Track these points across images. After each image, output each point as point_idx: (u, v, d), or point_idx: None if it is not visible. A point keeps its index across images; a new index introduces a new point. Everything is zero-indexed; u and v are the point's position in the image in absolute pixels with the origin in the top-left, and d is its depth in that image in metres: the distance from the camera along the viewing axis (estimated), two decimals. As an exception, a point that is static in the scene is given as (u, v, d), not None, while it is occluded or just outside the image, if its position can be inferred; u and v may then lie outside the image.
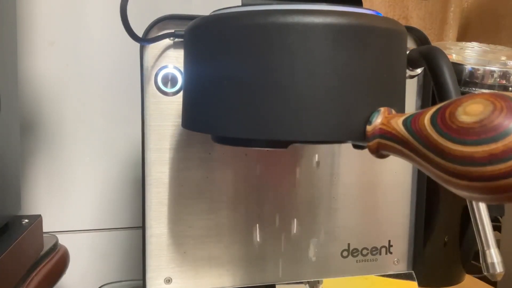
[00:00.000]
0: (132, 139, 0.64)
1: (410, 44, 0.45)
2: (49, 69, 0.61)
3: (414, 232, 0.48)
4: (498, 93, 0.21)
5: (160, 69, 0.41)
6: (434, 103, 0.26)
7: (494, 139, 0.20)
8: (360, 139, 0.28)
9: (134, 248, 0.65)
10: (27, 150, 0.61)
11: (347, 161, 0.46)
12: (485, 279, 0.62)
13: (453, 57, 0.56)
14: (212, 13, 0.32)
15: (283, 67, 0.28)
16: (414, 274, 0.48)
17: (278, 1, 0.34)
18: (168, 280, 0.43)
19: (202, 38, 0.31)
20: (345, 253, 0.47)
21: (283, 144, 0.31)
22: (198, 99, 0.32)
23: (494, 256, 0.32)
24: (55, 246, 0.51)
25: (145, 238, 0.42)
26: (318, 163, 0.45)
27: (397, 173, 0.47)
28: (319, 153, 0.45)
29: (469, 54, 0.58)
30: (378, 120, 0.27)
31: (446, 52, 0.37)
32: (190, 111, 0.33)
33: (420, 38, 0.45)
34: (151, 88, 0.41)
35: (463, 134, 0.21)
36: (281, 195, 0.45)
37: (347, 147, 0.33)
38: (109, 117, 0.63)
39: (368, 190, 0.47)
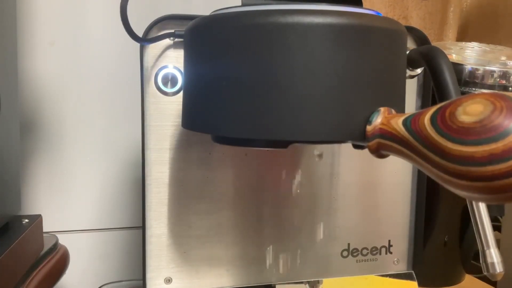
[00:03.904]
0: (132, 139, 0.64)
1: (410, 44, 0.45)
2: (49, 69, 0.61)
3: (414, 232, 0.48)
4: (498, 93, 0.21)
5: (160, 69, 0.41)
6: (434, 103, 0.26)
7: (494, 139, 0.20)
8: (360, 139, 0.28)
9: (134, 248, 0.65)
10: (27, 150, 0.61)
11: (347, 161, 0.46)
12: (485, 279, 0.62)
13: (453, 57, 0.56)
14: (212, 13, 0.32)
15: (283, 67, 0.28)
16: (414, 274, 0.48)
17: (278, 1, 0.34)
18: (168, 280, 0.43)
19: (202, 38, 0.31)
20: (345, 253, 0.47)
21: (283, 144, 0.31)
22: (198, 99, 0.32)
23: (494, 256, 0.32)
24: (55, 246, 0.51)
25: (145, 238, 0.42)
26: (320, 155, 0.45)
27: (397, 173, 0.47)
28: (319, 153, 0.45)
29: (469, 54, 0.58)
30: (378, 120, 0.27)
31: (446, 52, 0.37)
32: (190, 111, 0.33)
33: (420, 38, 0.45)
34: (151, 88, 0.41)
35: (463, 134, 0.21)
36: (281, 195, 0.45)
37: (347, 147, 0.33)
38: (109, 117, 0.63)
39: (368, 190, 0.47)
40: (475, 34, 0.89)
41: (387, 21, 0.30)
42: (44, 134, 0.61)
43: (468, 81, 0.55)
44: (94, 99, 0.62)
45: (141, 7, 0.60)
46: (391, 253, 0.48)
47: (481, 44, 0.63)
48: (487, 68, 0.54)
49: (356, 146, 0.30)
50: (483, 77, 0.54)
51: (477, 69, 0.54)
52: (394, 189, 0.47)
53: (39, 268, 0.47)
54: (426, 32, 0.45)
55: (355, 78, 0.28)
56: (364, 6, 0.33)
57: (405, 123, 0.25)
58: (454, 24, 0.87)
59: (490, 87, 0.55)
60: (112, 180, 0.64)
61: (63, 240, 0.54)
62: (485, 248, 0.32)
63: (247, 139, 0.32)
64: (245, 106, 0.29)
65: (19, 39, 0.56)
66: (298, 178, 0.45)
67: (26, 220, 0.48)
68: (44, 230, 0.52)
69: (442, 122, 0.22)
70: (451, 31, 0.87)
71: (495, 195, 0.20)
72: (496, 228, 0.66)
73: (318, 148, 0.45)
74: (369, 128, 0.28)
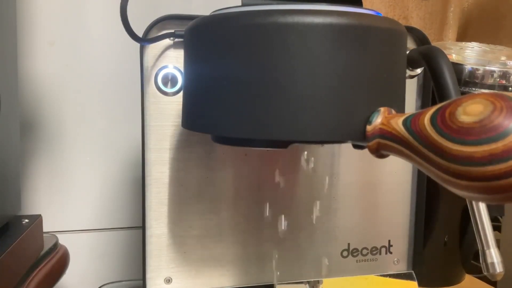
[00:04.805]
0: (132, 139, 0.64)
1: (410, 44, 0.45)
2: (49, 69, 0.61)
3: (414, 232, 0.48)
4: (498, 93, 0.21)
5: (160, 69, 0.41)
6: (434, 103, 0.26)
7: (494, 139, 0.20)
8: (360, 139, 0.28)
9: (134, 248, 0.65)
10: (27, 150, 0.61)
11: (347, 161, 0.46)
12: (485, 279, 0.62)
13: (453, 57, 0.56)
14: (212, 13, 0.32)
15: (283, 67, 0.28)
16: (414, 274, 0.48)
17: (278, 1, 0.34)
18: (168, 280, 0.43)
19: (202, 38, 0.31)
20: (345, 253, 0.47)
21: (283, 144, 0.31)
22: (198, 99, 0.32)
23: (494, 256, 0.32)
24: (55, 246, 0.51)
25: (145, 238, 0.42)
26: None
27: (397, 173, 0.47)
28: (319, 153, 0.45)
29: (469, 54, 0.58)
30: (378, 120, 0.27)
31: (446, 52, 0.37)
32: (190, 111, 0.33)
33: (420, 38, 0.45)
34: (151, 88, 0.41)
35: (463, 134, 0.21)
36: (281, 195, 0.45)
37: (347, 147, 0.33)
38: (109, 117, 0.63)
39: (368, 190, 0.47)
40: (476, 34, 0.89)
41: (387, 21, 0.30)
42: (44, 134, 0.61)
43: (468, 81, 0.55)
44: (94, 99, 0.62)
45: (141, 7, 0.60)
46: (391, 253, 0.48)
47: (481, 44, 0.63)
48: (487, 68, 0.54)
49: (356, 146, 0.30)
50: (483, 77, 0.54)
51: (477, 69, 0.54)
52: (394, 189, 0.47)
53: (39, 268, 0.47)
54: (426, 32, 0.45)
55: (355, 78, 0.28)
56: (364, 6, 0.33)
57: (405, 123, 0.25)
58: (454, 24, 0.87)
59: (490, 87, 0.55)
60: (112, 180, 0.64)
61: (63, 240, 0.54)
62: (485, 248, 0.32)
63: (247, 139, 0.32)
64: (245, 106, 0.29)
65: (19, 39, 0.56)
66: (298, 178, 0.45)
67: (26, 220, 0.48)
68: (44, 230, 0.52)
69: (442, 122, 0.22)
70: (451, 31, 0.87)
71: (495, 195, 0.20)
72: (496, 228, 0.66)
73: (317, 154, 0.45)
74: (369, 128, 0.28)
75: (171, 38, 0.40)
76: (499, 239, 0.65)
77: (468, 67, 0.54)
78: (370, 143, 0.27)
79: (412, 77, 0.45)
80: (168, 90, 0.41)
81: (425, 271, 0.49)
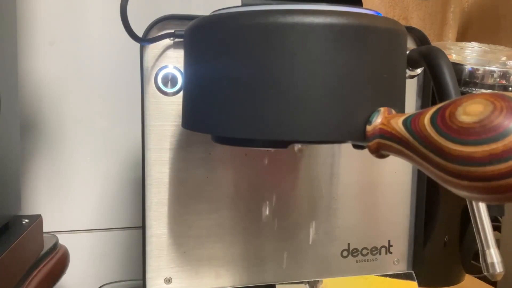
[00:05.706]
0: (132, 139, 0.64)
1: (410, 44, 0.45)
2: (49, 69, 0.61)
3: (414, 232, 0.48)
4: (498, 93, 0.21)
5: (160, 69, 0.41)
6: (434, 103, 0.26)
7: (494, 139, 0.20)
8: (360, 139, 0.28)
9: (134, 248, 0.65)
10: (27, 150, 0.61)
11: (347, 161, 0.46)
12: (485, 279, 0.62)
13: (453, 57, 0.56)
14: (212, 13, 0.32)
15: (283, 67, 0.28)
16: (414, 274, 0.48)
17: (278, 1, 0.34)
18: (168, 280, 0.43)
19: (202, 38, 0.31)
20: (345, 253, 0.47)
21: (283, 144, 0.31)
22: (198, 99, 0.32)
23: (494, 256, 0.32)
24: (55, 246, 0.51)
25: (145, 238, 0.42)
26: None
27: (397, 173, 0.47)
28: (319, 153, 0.45)
29: (469, 54, 0.58)
30: (378, 120, 0.27)
31: (446, 52, 0.37)
32: (190, 111, 0.33)
33: (420, 38, 0.45)
34: (151, 88, 0.41)
35: (463, 134, 0.21)
36: (281, 195, 0.45)
37: (347, 147, 0.33)
38: (109, 117, 0.63)
39: (368, 190, 0.47)
40: (476, 35, 0.89)
41: (387, 21, 0.30)
42: (44, 134, 0.61)
43: (468, 81, 0.55)
44: (94, 99, 0.62)
45: (141, 7, 0.60)
46: (391, 253, 0.48)
47: (481, 44, 0.63)
48: (487, 68, 0.54)
49: (356, 146, 0.30)
50: (483, 77, 0.54)
51: (477, 69, 0.54)
52: (394, 189, 0.47)
53: (39, 268, 0.47)
54: (426, 33, 0.45)
55: (355, 78, 0.28)
56: (364, 6, 0.33)
57: (405, 123, 0.25)
58: (454, 24, 0.87)
59: (490, 87, 0.55)
60: (112, 180, 0.64)
61: (63, 240, 0.54)
62: (485, 248, 0.32)
63: (247, 139, 0.32)
64: (245, 106, 0.29)
65: (19, 39, 0.56)
66: (298, 178, 0.45)
67: (26, 220, 0.48)
68: (44, 230, 0.52)
69: (442, 122, 0.22)
70: (451, 31, 0.87)
71: (495, 195, 0.20)
72: (496, 228, 0.66)
73: (317, 154, 0.45)
74: (369, 128, 0.28)
75: (171, 38, 0.40)
76: (499, 239, 0.65)
77: (468, 67, 0.54)
78: (370, 143, 0.27)
79: (412, 77, 0.45)
80: (168, 90, 0.41)
81: (425, 271, 0.49)
